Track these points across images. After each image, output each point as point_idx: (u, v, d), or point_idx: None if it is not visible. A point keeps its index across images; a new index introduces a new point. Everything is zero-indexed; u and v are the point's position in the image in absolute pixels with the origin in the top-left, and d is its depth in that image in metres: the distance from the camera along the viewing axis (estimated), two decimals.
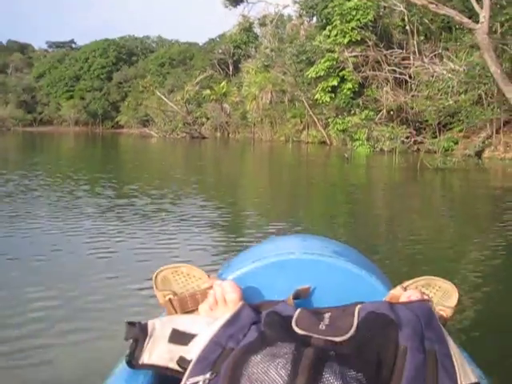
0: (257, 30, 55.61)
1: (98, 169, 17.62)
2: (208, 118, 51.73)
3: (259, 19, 51.35)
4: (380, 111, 28.37)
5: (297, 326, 1.18)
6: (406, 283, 1.50)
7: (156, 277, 1.51)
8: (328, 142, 33.66)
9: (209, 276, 1.54)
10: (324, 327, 1.18)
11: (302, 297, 1.45)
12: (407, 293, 1.44)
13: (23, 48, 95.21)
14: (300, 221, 8.26)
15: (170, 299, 1.46)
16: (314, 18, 36.77)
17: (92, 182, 12.56)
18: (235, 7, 48.97)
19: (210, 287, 1.47)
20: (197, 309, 1.46)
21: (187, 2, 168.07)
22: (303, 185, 14.51)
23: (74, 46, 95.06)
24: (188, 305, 1.46)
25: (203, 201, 10.29)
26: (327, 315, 1.28)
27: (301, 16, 39.48)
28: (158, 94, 52.47)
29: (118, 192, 11.06)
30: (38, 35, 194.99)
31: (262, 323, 1.21)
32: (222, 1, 48.41)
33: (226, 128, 50.51)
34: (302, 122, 37.47)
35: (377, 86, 29.39)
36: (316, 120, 34.57)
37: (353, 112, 29.71)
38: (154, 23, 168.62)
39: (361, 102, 29.39)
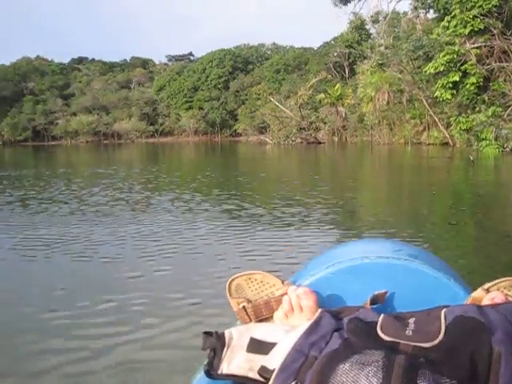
0: (370, 28, 53.85)
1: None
2: (325, 123, 50.80)
3: (372, 16, 49.44)
4: (509, 107, 25.80)
5: (382, 332, 1.15)
6: (487, 285, 1.41)
7: (230, 284, 1.49)
8: (451, 142, 31.33)
9: (283, 282, 1.50)
10: (410, 333, 1.14)
11: (379, 302, 1.41)
12: (490, 295, 1.36)
13: (145, 63, 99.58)
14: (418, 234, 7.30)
15: (243, 307, 1.44)
16: (431, 11, 34.39)
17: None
18: (345, 5, 46.96)
19: (285, 294, 1.44)
20: (271, 316, 1.44)
21: (301, 7, 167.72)
22: (424, 192, 13.00)
23: (192, 58, 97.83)
24: (262, 312, 1.45)
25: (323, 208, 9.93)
26: (412, 320, 1.23)
27: (416, 9, 37.06)
28: (272, 100, 51.94)
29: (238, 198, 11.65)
30: (159, 50, 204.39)
31: (345, 330, 1.19)
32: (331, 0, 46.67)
33: (343, 132, 49.18)
34: (421, 122, 35.46)
35: (504, 79, 26.85)
36: (437, 120, 32.30)
37: (478, 109, 27.29)
38: (269, 30, 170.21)
39: (486, 98, 26.98)
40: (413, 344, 1.08)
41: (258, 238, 7.26)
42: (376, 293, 1.42)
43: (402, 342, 1.09)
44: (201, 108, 75.65)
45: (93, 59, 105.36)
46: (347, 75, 56.81)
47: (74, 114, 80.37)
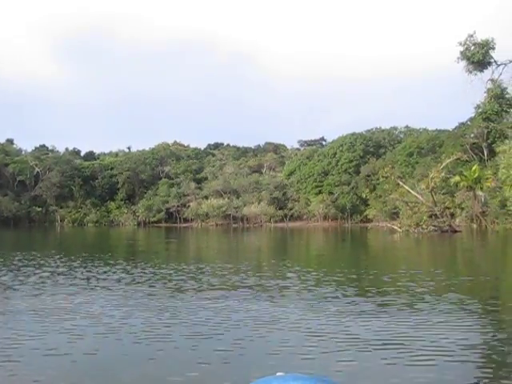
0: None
1: None
2: (462, 208, 46.89)
3: None
4: None
5: None
6: None
7: None
8: None
9: None
10: None
11: None
12: None
13: (277, 148, 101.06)
14: None
15: None
16: None
17: None
18: (481, 71, 42.74)
19: None
20: None
21: (434, 89, 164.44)
22: None
23: (324, 142, 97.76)
24: None
25: None
26: None
27: None
28: (400, 183, 48.65)
29: None
30: (292, 135, 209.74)
31: None
32: (463, 67, 42.66)
33: (482, 219, 44.81)
34: None
35: None
36: None
37: None
38: (401, 114, 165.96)
39: None
40: None
41: None
42: None
43: None
44: (331, 193, 74.42)
45: (228, 144, 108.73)
46: (486, 156, 52.80)
47: (206, 198, 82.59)
